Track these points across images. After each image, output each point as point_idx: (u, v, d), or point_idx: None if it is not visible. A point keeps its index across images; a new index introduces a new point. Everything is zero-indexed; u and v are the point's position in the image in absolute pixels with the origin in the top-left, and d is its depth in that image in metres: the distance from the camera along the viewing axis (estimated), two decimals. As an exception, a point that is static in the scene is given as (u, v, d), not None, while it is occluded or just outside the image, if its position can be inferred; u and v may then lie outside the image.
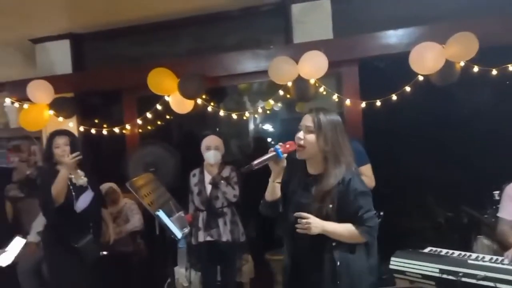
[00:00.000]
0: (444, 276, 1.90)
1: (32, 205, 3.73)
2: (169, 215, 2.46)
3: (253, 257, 3.65)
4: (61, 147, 2.76)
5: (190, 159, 3.29)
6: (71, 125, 3.81)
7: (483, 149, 3.47)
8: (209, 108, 3.58)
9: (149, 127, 3.96)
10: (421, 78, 3.15)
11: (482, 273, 1.83)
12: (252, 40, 3.89)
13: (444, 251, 2.25)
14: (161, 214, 2.40)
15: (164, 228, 2.45)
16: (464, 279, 1.84)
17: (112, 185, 3.67)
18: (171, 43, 4.11)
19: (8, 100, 3.83)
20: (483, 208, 2.96)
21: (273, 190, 1.90)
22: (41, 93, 3.66)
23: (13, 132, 4.55)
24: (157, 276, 3.19)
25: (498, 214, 2.38)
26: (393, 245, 2.26)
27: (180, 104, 3.55)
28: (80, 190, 2.78)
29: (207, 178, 3.16)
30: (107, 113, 4.22)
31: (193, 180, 3.21)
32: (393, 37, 3.26)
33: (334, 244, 1.78)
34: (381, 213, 2.32)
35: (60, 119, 3.75)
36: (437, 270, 1.93)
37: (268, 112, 4.09)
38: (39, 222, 3.54)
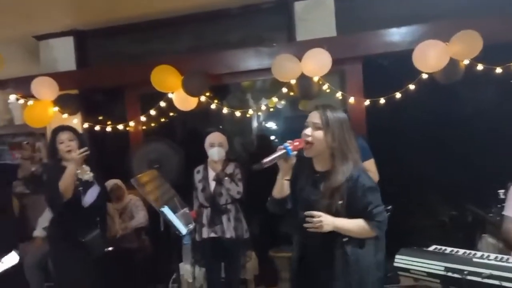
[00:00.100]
0: (449, 274, 1.90)
1: (38, 201, 3.75)
2: (174, 212, 2.48)
3: (257, 254, 3.67)
4: (65, 142, 2.76)
5: (194, 156, 3.30)
6: (75, 121, 3.82)
7: (488, 147, 3.47)
8: (213, 106, 3.59)
9: (152, 124, 3.97)
10: (424, 76, 3.15)
11: (488, 271, 1.82)
12: (254, 37, 3.89)
13: (449, 249, 2.25)
14: (166, 210, 2.42)
15: (169, 224, 2.46)
16: (469, 277, 1.84)
17: (117, 181, 3.69)
18: (174, 41, 4.12)
19: (12, 97, 3.84)
20: (488, 207, 2.96)
21: (282, 187, 1.91)
22: (45, 89, 3.67)
23: (18, 129, 4.56)
24: (162, 272, 3.21)
25: (504, 213, 2.37)
26: (397, 243, 2.27)
27: (184, 101, 3.56)
28: (87, 185, 2.79)
29: (211, 174, 3.17)
30: (111, 110, 4.23)
31: (197, 176, 3.22)
32: (397, 35, 3.26)
33: (345, 239, 1.80)
34: (389, 207, 2.33)
35: (65, 115, 3.76)
36: (442, 268, 1.93)
37: (271, 109, 4.10)
38: (45, 218, 3.55)
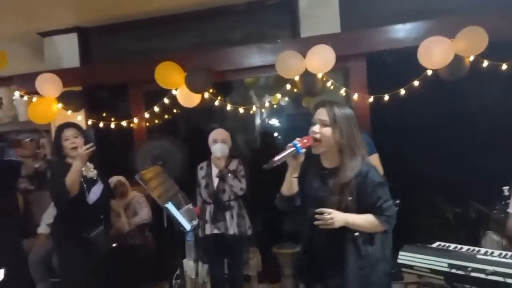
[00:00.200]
0: (453, 270, 1.90)
1: (42, 197, 3.78)
2: (178, 208, 2.48)
3: (260, 250, 3.68)
4: (70, 139, 2.78)
5: (198, 152, 3.30)
6: (79, 118, 3.84)
7: (492, 144, 3.45)
8: (216, 102, 3.59)
9: (156, 121, 3.98)
10: (429, 72, 3.13)
11: (491, 268, 1.82)
12: (258, 34, 3.88)
13: (452, 246, 2.25)
14: (170, 206, 2.42)
15: (172, 220, 2.47)
16: (473, 274, 1.84)
17: (121, 178, 3.70)
18: (177, 37, 4.12)
19: (17, 93, 3.86)
20: (492, 204, 2.95)
21: (291, 185, 1.92)
22: (49, 86, 3.68)
23: (22, 125, 4.59)
24: (165, 268, 3.22)
25: (508, 210, 2.36)
26: (401, 240, 2.27)
27: (187, 98, 3.56)
28: (91, 182, 2.81)
29: (214, 171, 3.17)
30: (115, 106, 4.24)
31: (201, 173, 3.22)
32: (401, 31, 3.24)
33: (356, 234, 1.82)
34: (397, 202, 2.33)
35: (69, 112, 3.78)
36: (446, 265, 1.93)
37: (274, 106, 4.10)
38: (49, 214, 3.57)
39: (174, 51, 4.05)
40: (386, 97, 3.29)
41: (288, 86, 3.41)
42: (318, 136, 1.83)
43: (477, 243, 2.81)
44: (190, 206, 2.69)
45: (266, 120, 4.96)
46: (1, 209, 3.15)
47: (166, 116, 4.07)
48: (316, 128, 1.84)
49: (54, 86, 3.68)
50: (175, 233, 2.64)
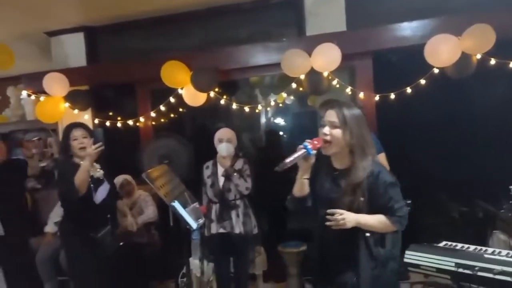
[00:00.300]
0: (460, 270, 1.90)
1: (49, 196, 3.81)
2: (184, 206, 2.49)
3: (266, 249, 3.68)
4: (79, 139, 2.80)
5: (203, 151, 3.31)
6: (86, 117, 3.86)
7: (499, 143, 3.42)
8: (222, 101, 3.59)
9: (162, 120, 3.99)
10: (436, 71, 3.11)
11: (499, 268, 1.81)
12: (264, 33, 3.88)
13: (459, 245, 2.24)
14: (176, 205, 2.43)
15: (179, 219, 2.48)
16: (480, 273, 1.83)
17: (127, 177, 3.72)
18: (183, 36, 4.12)
19: (24, 93, 3.89)
20: (499, 203, 2.93)
21: (302, 186, 1.93)
22: (56, 85, 3.70)
23: (30, 124, 4.63)
24: (171, 267, 3.24)
25: (515, 209, 2.35)
26: (407, 239, 2.26)
27: (193, 97, 3.57)
28: (98, 182, 2.83)
29: (220, 170, 3.18)
30: (121, 105, 4.26)
31: (206, 172, 3.23)
32: (408, 29, 3.22)
33: (367, 235, 1.82)
34: (409, 202, 2.32)
35: (76, 111, 3.80)
36: (453, 264, 1.93)
37: (280, 105, 4.09)
38: (57, 213, 3.61)
39: (180, 50, 4.05)
40: (392, 96, 3.28)
41: (294, 85, 3.40)
42: (328, 138, 1.83)
43: (484, 243, 2.79)
44: (196, 204, 2.70)
45: (272, 119, 4.95)
46: (11, 208, 3.19)
47: (172, 115, 4.08)
48: (326, 130, 1.84)
49: (61, 85, 3.71)
50: (181, 231, 2.65)
